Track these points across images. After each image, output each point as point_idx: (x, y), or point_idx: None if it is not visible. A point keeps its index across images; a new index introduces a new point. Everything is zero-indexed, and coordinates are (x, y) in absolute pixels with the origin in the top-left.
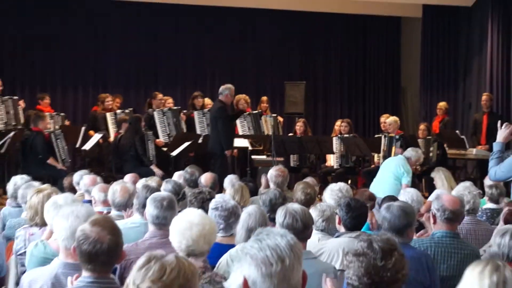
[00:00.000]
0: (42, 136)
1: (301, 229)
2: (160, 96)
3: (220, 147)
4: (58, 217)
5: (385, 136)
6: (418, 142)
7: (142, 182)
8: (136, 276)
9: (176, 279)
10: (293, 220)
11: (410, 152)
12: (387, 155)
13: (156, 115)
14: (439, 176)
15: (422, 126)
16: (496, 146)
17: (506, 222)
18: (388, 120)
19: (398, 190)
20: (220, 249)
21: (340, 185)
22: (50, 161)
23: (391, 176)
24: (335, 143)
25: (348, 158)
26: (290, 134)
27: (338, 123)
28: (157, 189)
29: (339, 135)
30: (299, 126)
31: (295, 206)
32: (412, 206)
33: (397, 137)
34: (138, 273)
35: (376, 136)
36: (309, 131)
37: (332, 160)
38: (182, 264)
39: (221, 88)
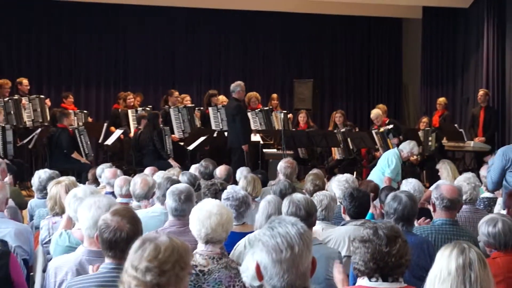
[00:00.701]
0: (67, 132)
1: (305, 217)
2: (176, 93)
3: (238, 142)
4: (81, 207)
5: (376, 133)
6: (419, 133)
7: (159, 174)
8: (133, 259)
9: (171, 256)
10: (296, 209)
11: (403, 144)
12: (386, 149)
13: (172, 112)
14: (445, 167)
15: (424, 119)
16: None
17: (509, 206)
18: (372, 116)
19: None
20: (233, 237)
21: (347, 176)
22: (74, 155)
23: (379, 168)
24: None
25: (350, 150)
26: (294, 130)
27: (333, 114)
28: (178, 180)
29: (342, 130)
30: (302, 117)
31: (298, 196)
32: (415, 196)
33: (386, 130)
34: (134, 255)
35: (373, 131)
36: (311, 121)
37: (336, 153)
38: (175, 243)
39: (232, 86)
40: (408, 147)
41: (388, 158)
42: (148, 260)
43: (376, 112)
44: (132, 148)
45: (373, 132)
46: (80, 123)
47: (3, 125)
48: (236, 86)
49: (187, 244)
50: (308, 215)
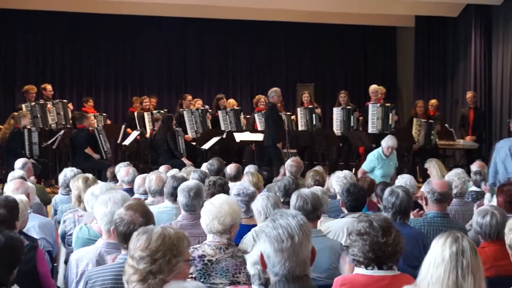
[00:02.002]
0: (86, 131)
1: (311, 210)
2: (189, 97)
3: (271, 141)
4: (97, 204)
5: (380, 106)
6: (419, 121)
7: (172, 172)
8: (131, 249)
9: (162, 245)
10: (303, 203)
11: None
12: (385, 122)
13: (185, 114)
14: (433, 166)
15: (419, 104)
16: None
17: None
18: (372, 89)
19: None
20: (242, 229)
21: (345, 172)
22: (87, 150)
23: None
24: (335, 113)
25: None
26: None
27: (338, 94)
28: (184, 178)
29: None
30: (305, 97)
31: (306, 190)
32: (410, 190)
33: (392, 105)
34: (131, 245)
35: (370, 103)
36: (314, 102)
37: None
38: (167, 232)
39: (269, 92)
40: (384, 140)
41: (368, 155)
42: (140, 249)
43: (375, 87)
44: (148, 148)
45: (371, 105)
46: (100, 125)
47: (29, 127)
48: (271, 92)
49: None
50: (314, 209)
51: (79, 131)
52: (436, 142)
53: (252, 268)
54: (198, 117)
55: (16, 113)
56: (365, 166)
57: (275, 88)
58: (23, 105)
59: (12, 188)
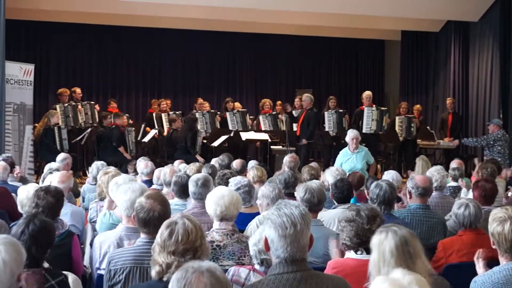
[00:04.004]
0: (118, 129)
1: (317, 202)
2: (200, 100)
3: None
4: (118, 193)
5: (377, 108)
6: (400, 118)
7: (183, 165)
8: (168, 245)
9: (196, 233)
10: (311, 196)
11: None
12: (380, 124)
13: (198, 115)
14: (419, 164)
15: (403, 105)
16: None
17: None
18: (365, 95)
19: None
20: (244, 217)
21: (337, 167)
22: (121, 149)
23: None
24: (327, 116)
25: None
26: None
27: (328, 99)
28: (188, 176)
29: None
30: (296, 101)
31: (314, 185)
32: (394, 183)
33: (385, 110)
34: (169, 241)
35: (366, 107)
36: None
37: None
38: (191, 221)
39: None
40: (347, 138)
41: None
42: (182, 244)
43: (368, 93)
44: (164, 145)
45: (366, 108)
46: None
47: (60, 125)
48: (305, 97)
49: (193, 217)
50: (319, 201)
51: (113, 128)
52: (415, 134)
53: (250, 249)
54: (208, 118)
55: (47, 113)
56: (335, 162)
57: (306, 94)
58: (58, 106)
59: (58, 180)
